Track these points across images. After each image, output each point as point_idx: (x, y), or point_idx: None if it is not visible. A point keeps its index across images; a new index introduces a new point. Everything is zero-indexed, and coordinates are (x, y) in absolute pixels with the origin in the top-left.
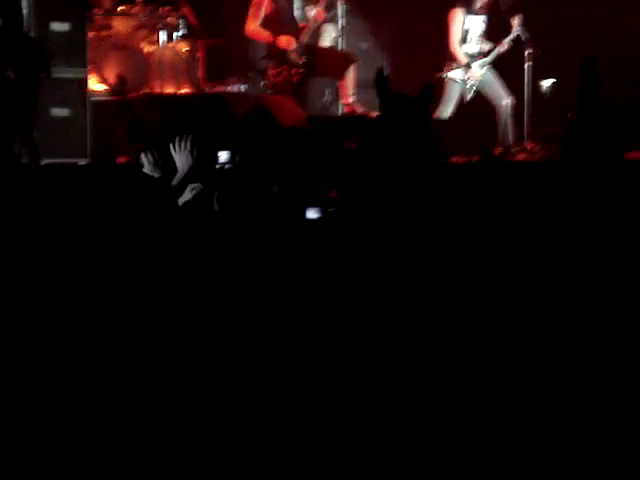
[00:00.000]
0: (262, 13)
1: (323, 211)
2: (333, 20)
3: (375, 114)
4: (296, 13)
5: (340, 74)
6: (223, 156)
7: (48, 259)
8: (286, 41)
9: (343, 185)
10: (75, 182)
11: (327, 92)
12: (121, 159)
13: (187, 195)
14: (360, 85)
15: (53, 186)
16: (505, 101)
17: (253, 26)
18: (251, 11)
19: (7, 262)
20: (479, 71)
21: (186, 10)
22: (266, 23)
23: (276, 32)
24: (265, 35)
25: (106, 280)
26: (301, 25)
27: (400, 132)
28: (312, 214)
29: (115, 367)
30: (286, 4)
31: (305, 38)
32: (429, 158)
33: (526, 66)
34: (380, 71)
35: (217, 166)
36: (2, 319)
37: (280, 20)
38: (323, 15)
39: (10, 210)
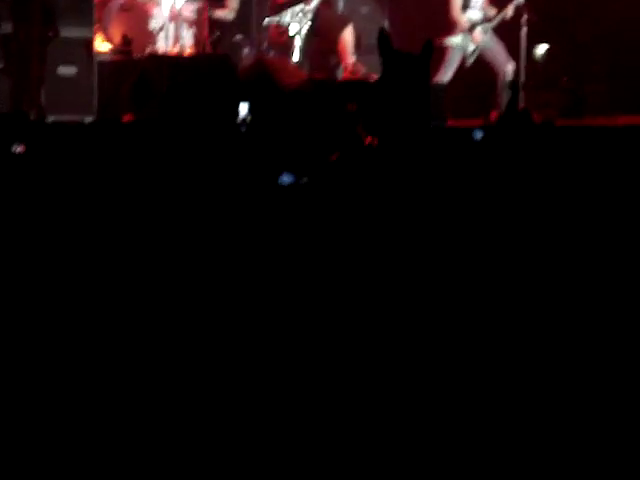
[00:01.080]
0: None
1: (297, 178)
2: None
3: (376, 76)
4: None
5: (336, 36)
6: (244, 109)
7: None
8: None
9: (344, 148)
10: (81, 139)
11: (331, 55)
12: (126, 117)
13: None
14: (361, 49)
15: (61, 143)
16: (506, 66)
17: None
18: None
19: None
20: (482, 36)
21: None
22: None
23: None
24: None
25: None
26: None
27: (402, 91)
28: (286, 179)
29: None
30: None
31: None
32: (428, 119)
33: (522, 32)
34: (382, 30)
35: (238, 120)
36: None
37: None
38: None
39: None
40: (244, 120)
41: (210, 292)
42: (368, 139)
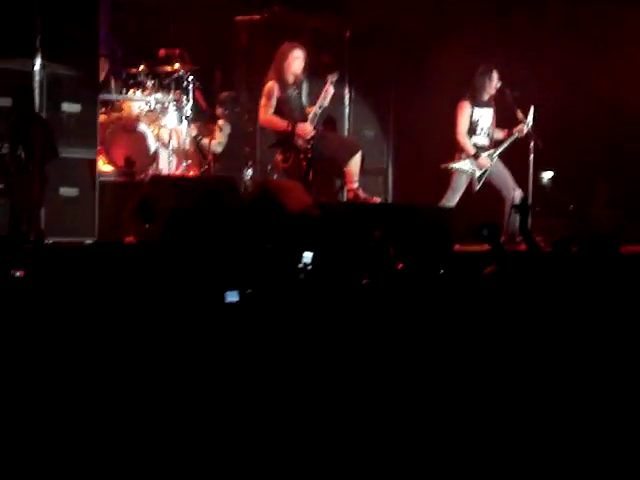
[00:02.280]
0: (274, 102)
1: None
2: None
3: (377, 200)
4: (304, 99)
5: (346, 161)
6: (308, 257)
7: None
8: (303, 129)
9: (375, 273)
10: (81, 262)
11: (336, 179)
12: (128, 239)
13: None
14: (364, 172)
15: (58, 265)
16: (513, 192)
17: (267, 115)
18: (263, 101)
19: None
20: (488, 161)
21: (197, 94)
22: (278, 111)
23: (287, 119)
24: (282, 124)
25: None
26: (307, 110)
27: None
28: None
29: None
30: (295, 91)
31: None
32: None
33: (530, 158)
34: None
35: (300, 266)
36: None
37: (290, 107)
38: (332, 90)
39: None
40: (305, 266)
41: None
42: (399, 265)
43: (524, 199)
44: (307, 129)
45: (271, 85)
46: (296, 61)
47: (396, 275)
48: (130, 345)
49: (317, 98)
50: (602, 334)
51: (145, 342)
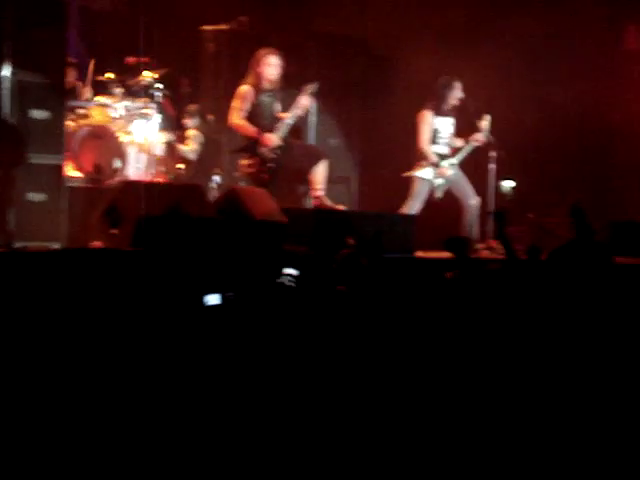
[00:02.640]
0: (247, 106)
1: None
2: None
3: (342, 207)
4: (277, 107)
5: (310, 169)
6: (291, 272)
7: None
8: (269, 139)
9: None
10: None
11: (301, 186)
12: (96, 244)
13: None
14: (329, 180)
15: (27, 269)
16: (472, 200)
17: (238, 119)
18: (236, 103)
19: None
20: (448, 170)
21: (164, 102)
22: (249, 116)
23: (257, 126)
24: (251, 130)
25: None
26: (281, 116)
27: None
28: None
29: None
30: (269, 98)
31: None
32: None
33: (490, 167)
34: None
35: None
36: None
37: (262, 113)
38: (307, 101)
39: None
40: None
41: None
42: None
43: (502, 207)
44: (273, 140)
45: (246, 89)
46: (270, 67)
47: (369, 282)
48: (97, 349)
49: (290, 107)
50: (573, 336)
51: (111, 346)
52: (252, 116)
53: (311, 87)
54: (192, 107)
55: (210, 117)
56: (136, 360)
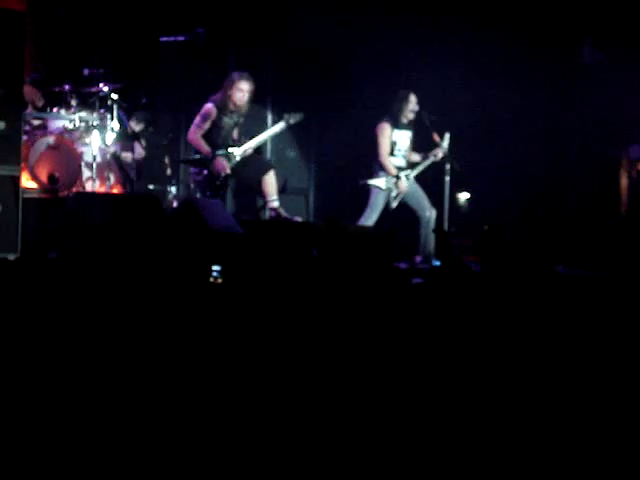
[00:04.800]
0: (207, 125)
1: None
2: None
3: (299, 219)
4: (237, 131)
5: (258, 179)
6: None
7: None
8: (221, 166)
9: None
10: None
11: (258, 198)
12: (51, 255)
13: None
14: (286, 191)
15: None
16: (428, 212)
17: (196, 136)
18: (198, 119)
19: None
20: (405, 182)
21: (120, 113)
22: (207, 134)
23: (213, 145)
24: (205, 150)
25: None
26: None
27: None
28: None
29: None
30: (231, 120)
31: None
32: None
33: (446, 180)
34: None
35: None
36: None
37: (221, 134)
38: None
39: None
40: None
41: None
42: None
43: (439, 225)
44: (224, 167)
45: (210, 108)
46: (239, 92)
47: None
48: (52, 359)
49: (259, 133)
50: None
51: (68, 357)
52: (211, 135)
53: (295, 117)
54: (139, 113)
55: (151, 128)
56: (89, 373)
